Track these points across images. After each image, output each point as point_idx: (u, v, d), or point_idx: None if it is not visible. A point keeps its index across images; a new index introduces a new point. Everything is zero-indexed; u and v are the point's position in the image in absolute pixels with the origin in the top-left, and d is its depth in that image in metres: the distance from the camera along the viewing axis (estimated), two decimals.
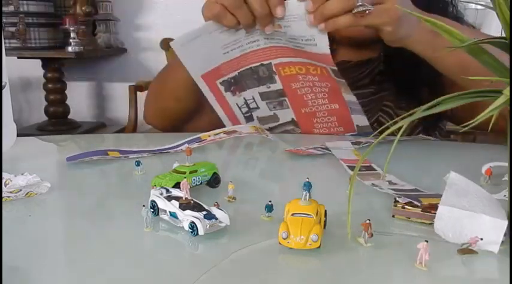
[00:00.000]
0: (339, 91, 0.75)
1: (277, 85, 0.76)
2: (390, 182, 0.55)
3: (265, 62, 0.74)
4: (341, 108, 0.78)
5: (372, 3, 0.65)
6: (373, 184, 0.54)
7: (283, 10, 0.67)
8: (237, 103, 0.80)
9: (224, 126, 0.83)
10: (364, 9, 0.63)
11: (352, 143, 0.74)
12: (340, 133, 0.81)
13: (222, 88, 0.79)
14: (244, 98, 0.79)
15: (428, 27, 0.71)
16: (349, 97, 0.76)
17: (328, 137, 0.81)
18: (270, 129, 0.82)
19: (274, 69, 0.75)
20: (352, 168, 0.61)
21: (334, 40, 0.92)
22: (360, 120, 0.79)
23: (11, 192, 0.50)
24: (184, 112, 0.91)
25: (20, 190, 0.51)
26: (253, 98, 0.79)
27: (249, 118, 0.82)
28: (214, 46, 0.73)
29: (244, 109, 0.81)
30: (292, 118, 0.81)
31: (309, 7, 0.66)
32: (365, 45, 0.91)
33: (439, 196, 0.43)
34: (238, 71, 0.76)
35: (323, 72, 0.73)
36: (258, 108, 0.80)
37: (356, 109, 0.78)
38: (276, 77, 0.75)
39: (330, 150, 0.70)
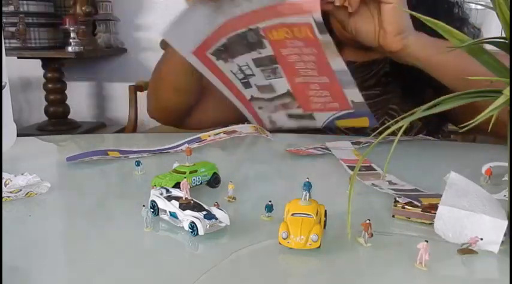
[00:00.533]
0: (326, 61, 0.73)
1: (268, 51, 0.75)
2: (390, 182, 0.55)
3: (252, 27, 0.72)
4: (332, 82, 0.76)
5: None
6: (373, 184, 0.54)
7: None
8: (231, 70, 0.79)
9: (226, 123, 0.82)
10: None
11: (352, 143, 0.74)
12: (336, 109, 0.79)
13: (213, 58, 0.77)
14: (237, 65, 0.78)
15: (425, 37, 0.72)
16: (337, 64, 0.74)
17: (328, 137, 0.81)
18: (270, 100, 0.81)
19: (262, 33, 0.73)
20: (352, 168, 0.61)
21: (340, 42, 0.92)
22: (354, 94, 0.77)
23: (11, 192, 0.50)
24: (185, 104, 0.91)
25: (20, 190, 0.51)
26: (247, 64, 0.78)
27: (246, 85, 0.81)
28: (198, 20, 0.73)
29: (240, 76, 0.79)
30: (288, 90, 0.79)
31: None
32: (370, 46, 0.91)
33: (439, 196, 0.43)
34: (227, 38, 0.75)
35: (307, 34, 0.72)
36: (253, 74, 0.79)
37: (346, 80, 0.75)
38: (266, 42, 0.74)
39: (330, 150, 0.70)
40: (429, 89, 0.85)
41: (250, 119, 0.86)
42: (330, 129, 0.91)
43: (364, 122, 0.80)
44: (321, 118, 0.82)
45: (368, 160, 0.62)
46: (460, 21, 0.89)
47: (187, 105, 0.91)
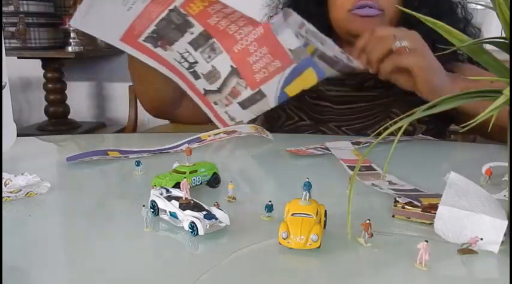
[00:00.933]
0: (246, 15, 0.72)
1: (198, 28, 0.72)
2: (390, 182, 0.55)
3: (171, 7, 0.70)
4: (265, 30, 0.72)
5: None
6: (373, 184, 0.54)
7: None
8: (175, 59, 0.77)
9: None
10: (402, 45, 0.72)
11: (352, 143, 0.74)
12: (279, 70, 0.75)
13: (149, 45, 0.75)
14: (178, 52, 0.75)
15: (461, 84, 0.75)
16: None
17: (328, 137, 0.81)
18: (219, 91, 0.78)
19: (183, 11, 0.71)
20: (352, 168, 0.61)
21: (342, 40, 0.92)
22: (289, 41, 0.73)
23: (11, 192, 0.50)
24: (167, 97, 0.89)
25: (20, 190, 0.51)
26: (187, 50, 0.75)
27: (195, 75, 0.78)
28: (114, 7, 0.70)
29: (186, 65, 0.77)
30: (231, 66, 0.75)
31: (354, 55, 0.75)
32: None
33: (439, 196, 0.43)
34: (154, 24, 0.72)
35: None
36: (196, 61, 0.76)
37: (276, 23, 0.72)
38: (191, 19, 0.71)
39: (330, 150, 0.70)
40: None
41: (213, 119, 0.82)
42: (283, 110, 0.92)
43: (311, 77, 0.76)
44: (270, 93, 0.77)
45: (368, 160, 0.62)
46: (465, 22, 0.89)
47: (170, 97, 0.89)
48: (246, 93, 0.78)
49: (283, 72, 0.74)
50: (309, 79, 0.76)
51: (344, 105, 0.92)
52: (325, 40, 0.74)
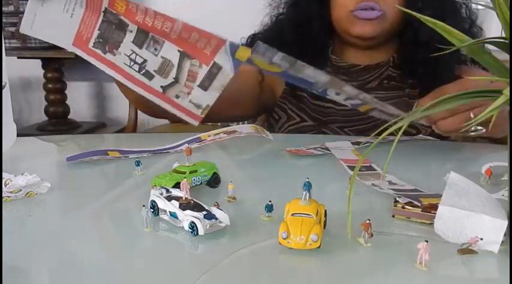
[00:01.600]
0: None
1: (132, 26, 0.73)
2: (390, 182, 0.55)
3: (102, 8, 0.71)
4: (184, 25, 0.72)
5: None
6: (373, 184, 0.54)
7: None
8: (124, 63, 0.77)
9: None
10: (477, 133, 0.66)
11: (352, 143, 0.74)
12: (221, 42, 0.73)
13: (98, 51, 0.76)
14: (125, 55, 0.76)
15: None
16: None
17: (328, 137, 0.81)
18: (177, 82, 0.77)
19: (114, 11, 0.71)
20: (352, 168, 0.61)
21: (343, 41, 0.92)
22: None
23: (11, 192, 0.50)
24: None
25: (20, 190, 0.51)
26: (133, 51, 0.76)
27: (148, 75, 0.78)
28: (57, 13, 0.71)
29: (136, 67, 0.77)
30: (179, 51, 0.75)
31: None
32: (375, 48, 0.91)
33: (439, 196, 0.43)
34: (97, 28, 0.73)
35: None
36: (145, 60, 0.76)
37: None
38: (122, 18, 0.72)
39: (330, 150, 0.70)
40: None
41: (180, 115, 0.81)
42: (284, 111, 0.91)
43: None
44: (224, 62, 0.76)
45: (368, 160, 0.62)
46: (470, 22, 0.89)
47: None
48: (203, 71, 0.77)
49: (225, 42, 0.73)
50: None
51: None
52: (295, 62, 0.71)
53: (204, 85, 0.78)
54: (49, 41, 0.74)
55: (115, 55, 0.76)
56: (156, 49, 0.75)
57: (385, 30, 0.86)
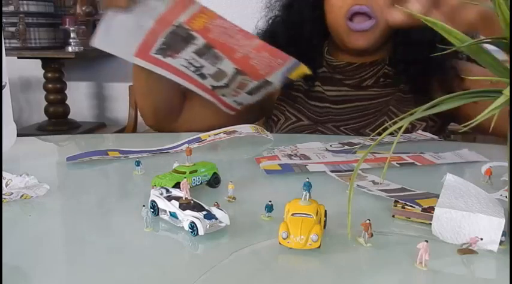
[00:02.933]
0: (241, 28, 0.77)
1: (200, 40, 0.77)
2: (374, 182, 0.55)
3: (176, 23, 0.75)
4: (260, 43, 0.78)
5: None
6: (358, 185, 0.54)
7: None
8: (182, 64, 0.82)
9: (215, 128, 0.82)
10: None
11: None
12: (280, 65, 0.79)
13: (159, 57, 0.80)
14: (185, 59, 0.81)
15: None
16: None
17: (328, 137, 0.81)
18: (226, 86, 0.83)
19: (187, 27, 0.75)
20: (336, 171, 0.61)
21: (337, 45, 0.93)
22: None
23: (4, 194, 0.50)
24: (168, 107, 0.92)
25: (12, 193, 0.50)
26: (193, 57, 0.80)
27: (201, 77, 0.83)
28: (128, 25, 0.76)
29: (192, 69, 0.82)
30: (236, 68, 0.81)
31: None
32: (368, 52, 0.91)
33: (433, 195, 0.43)
34: (163, 37, 0.77)
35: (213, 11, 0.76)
36: (202, 66, 0.81)
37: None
38: (194, 33, 0.76)
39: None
40: (429, 95, 0.85)
41: (220, 105, 0.88)
42: (282, 112, 0.95)
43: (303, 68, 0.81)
44: (275, 80, 0.83)
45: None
46: None
47: (171, 107, 0.92)
48: (253, 84, 0.83)
49: (286, 63, 0.79)
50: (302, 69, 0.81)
51: (343, 105, 0.92)
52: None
53: (251, 92, 0.86)
54: (113, 53, 0.80)
55: (174, 59, 0.81)
56: (215, 62, 0.81)
57: (377, 37, 0.87)
